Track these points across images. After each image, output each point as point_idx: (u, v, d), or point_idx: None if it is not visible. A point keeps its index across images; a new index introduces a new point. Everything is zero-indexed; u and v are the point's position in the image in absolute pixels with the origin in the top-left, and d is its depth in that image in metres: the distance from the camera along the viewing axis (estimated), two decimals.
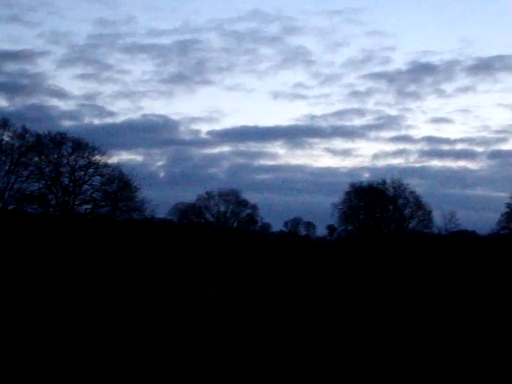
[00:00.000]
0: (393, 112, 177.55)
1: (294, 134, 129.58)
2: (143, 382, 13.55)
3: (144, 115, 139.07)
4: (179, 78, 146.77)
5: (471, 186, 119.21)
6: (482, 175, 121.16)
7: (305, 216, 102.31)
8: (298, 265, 66.60)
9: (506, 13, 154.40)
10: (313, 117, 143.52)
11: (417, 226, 71.62)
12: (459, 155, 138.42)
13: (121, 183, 61.88)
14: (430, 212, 71.07)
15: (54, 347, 17.36)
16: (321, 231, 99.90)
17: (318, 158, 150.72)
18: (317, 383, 13.83)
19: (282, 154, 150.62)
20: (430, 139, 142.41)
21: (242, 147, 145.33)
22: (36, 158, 59.29)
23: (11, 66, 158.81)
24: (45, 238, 57.39)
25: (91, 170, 60.94)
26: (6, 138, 58.19)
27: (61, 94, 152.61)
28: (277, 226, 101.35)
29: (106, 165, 61.21)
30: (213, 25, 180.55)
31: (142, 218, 63.42)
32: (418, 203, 71.20)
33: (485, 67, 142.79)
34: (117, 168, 62.33)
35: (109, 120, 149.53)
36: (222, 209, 76.80)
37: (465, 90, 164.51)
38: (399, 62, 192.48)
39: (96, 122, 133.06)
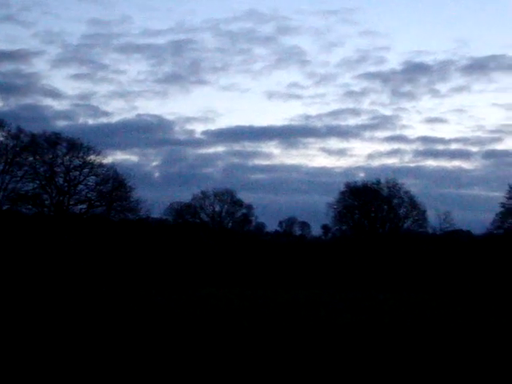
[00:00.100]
0: (387, 112, 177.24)
1: (289, 134, 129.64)
2: (139, 382, 13.58)
3: (139, 115, 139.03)
4: (174, 78, 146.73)
5: (466, 185, 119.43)
6: (476, 175, 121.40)
7: (299, 216, 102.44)
8: (292, 264, 66.67)
9: (501, 13, 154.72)
10: (308, 117, 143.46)
11: (411, 225, 71.78)
12: (454, 155, 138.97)
13: (116, 183, 61.92)
14: (424, 212, 71.27)
15: (49, 347, 17.37)
16: (316, 231, 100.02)
17: (313, 157, 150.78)
18: (312, 383, 13.87)
19: (277, 154, 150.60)
20: (424, 139, 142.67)
21: (237, 147, 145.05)
22: (30, 158, 59.32)
23: (5, 66, 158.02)
24: (39, 238, 57.34)
25: (86, 170, 61.03)
26: (0, 138, 58.27)
27: (55, 94, 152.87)
28: (271, 226, 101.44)
29: (100, 165, 61.33)
30: (208, 25, 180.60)
31: (137, 218, 63.45)
32: (412, 203, 71.34)
33: (479, 67, 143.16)
34: (111, 168, 62.46)
35: (103, 120, 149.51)
36: (217, 208, 76.86)
37: (459, 89, 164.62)
38: (394, 61, 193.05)
39: (91, 121, 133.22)
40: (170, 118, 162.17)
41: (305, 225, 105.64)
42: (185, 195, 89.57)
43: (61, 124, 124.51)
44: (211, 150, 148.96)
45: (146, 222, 67.68)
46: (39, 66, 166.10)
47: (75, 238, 60.52)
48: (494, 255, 62.63)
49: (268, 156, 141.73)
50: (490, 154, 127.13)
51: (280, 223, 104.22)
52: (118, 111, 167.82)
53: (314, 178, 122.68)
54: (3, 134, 58.23)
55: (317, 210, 76.68)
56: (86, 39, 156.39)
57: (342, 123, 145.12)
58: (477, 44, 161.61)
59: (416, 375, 14.51)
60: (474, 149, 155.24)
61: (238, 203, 77.73)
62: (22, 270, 51.29)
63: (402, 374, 14.55)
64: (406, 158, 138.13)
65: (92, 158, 60.78)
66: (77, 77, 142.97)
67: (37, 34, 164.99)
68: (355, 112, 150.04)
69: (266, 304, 35.58)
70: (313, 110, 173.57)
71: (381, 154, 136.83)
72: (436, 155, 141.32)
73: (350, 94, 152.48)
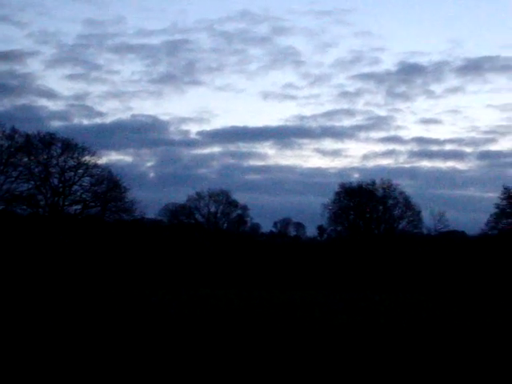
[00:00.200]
0: (382, 113, 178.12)
1: (284, 135, 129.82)
2: (133, 382, 13.57)
3: (133, 115, 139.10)
4: (168, 79, 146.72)
5: (460, 186, 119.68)
6: (471, 176, 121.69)
7: (294, 216, 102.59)
8: (287, 265, 66.69)
9: (495, 14, 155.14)
10: (302, 117, 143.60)
11: (406, 226, 71.89)
12: (448, 156, 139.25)
13: (110, 184, 61.88)
14: (419, 212, 71.42)
15: (42, 347, 17.34)
16: (311, 232, 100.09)
17: (308, 158, 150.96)
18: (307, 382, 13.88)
19: (272, 155, 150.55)
20: (419, 140, 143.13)
21: (232, 148, 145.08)
22: (25, 159, 59.23)
23: (0, 67, 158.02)
24: (34, 239, 57.23)
25: (81, 171, 60.98)
26: None
27: (50, 95, 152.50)
28: (266, 227, 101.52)
29: (95, 165, 61.31)
30: (202, 25, 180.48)
31: (132, 219, 63.39)
32: (407, 204, 71.47)
33: (474, 68, 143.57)
34: (106, 168, 62.41)
35: (98, 120, 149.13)
36: (212, 209, 76.85)
37: (454, 90, 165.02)
38: (388, 62, 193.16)
39: (85, 122, 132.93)
40: (164, 118, 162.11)
41: (300, 225, 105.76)
42: (180, 196, 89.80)
43: (55, 124, 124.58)
44: (206, 150, 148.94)
45: (140, 222, 67.63)
46: (34, 66, 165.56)
47: (70, 239, 60.43)
48: (488, 256, 62.76)
49: (263, 157, 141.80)
50: (484, 155, 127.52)
51: (275, 224, 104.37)
52: (113, 111, 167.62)
53: (309, 179, 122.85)
54: None
55: (312, 211, 76.82)
56: (80, 39, 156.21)
57: (337, 124, 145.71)
58: (471, 45, 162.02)
59: (412, 376, 14.54)
60: (469, 149, 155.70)
61: (233, 204, 77.77)
62: (17, 271, 51.17)
63: (398, 375, 14.57)
64: (401, 159, 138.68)
65: (87, 158, 60.80)
66: (71, 77, 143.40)
67: (31, 35, 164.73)
68: (350, 113, 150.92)
69: (262, 305, 35.57)
70: (307, 111, 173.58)
71: (375, 155, 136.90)
72: (431, 156, 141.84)
73: (345, 94, 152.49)
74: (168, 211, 76.44)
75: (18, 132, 59.12)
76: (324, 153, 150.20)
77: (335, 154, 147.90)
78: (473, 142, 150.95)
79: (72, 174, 60.75)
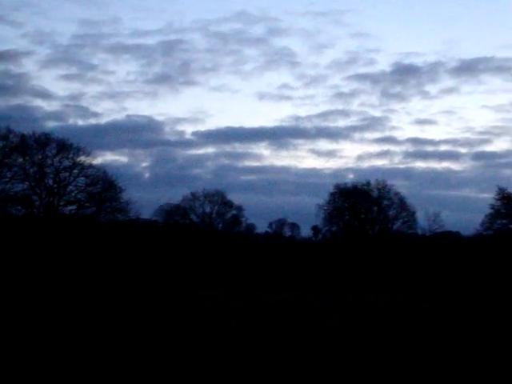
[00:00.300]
0: (377, 113, 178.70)
1: (279, 135, 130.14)
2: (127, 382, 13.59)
3: (128, 116, 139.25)
4: (164, 79, 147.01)
5: (455, 187, 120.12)
6: (465, 176, 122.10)
7: (289, 217, 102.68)
8: (283, 266, 66.70)
9: (490, 15, 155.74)
10: (297, 118, 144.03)
11: (401, 227, 71.99)
12: (443, 156, 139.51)
13: (105, 184, 61.78)
14: (414, 213, 71.50)
15: (37, 348, 17.32)
16: (305, 232, 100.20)
17: (303, 159, 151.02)
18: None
19: (267, 155, 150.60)
20: (414, 140, 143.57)
21: (227, 148, 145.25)
22: (20, 159, 59.09)
23: None
24: (29, 239, 57.12)
25: (76, 171, 60.83)
26: None
27: (45, 95, 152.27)
28: (261, 227, 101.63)
29: (90, 166, 61.15)
30: (197, 25, 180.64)
31: (127, 219, 63.31)
32: (402, 204, 71.56)
33: (468, 69, 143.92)
34: (101, 169, 62.30)
35: (93, 121, 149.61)
36: (207, 210, 76.83)
37: (449, 91, 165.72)
38: (383, 63, 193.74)
39: (80, 122, 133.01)
40: (159, 118, 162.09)
41: (294, 226, 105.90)
42: (175, 196, 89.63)
43: (50, 125, 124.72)
44: (201, 150, 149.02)
45: (135, 223, 67.55)
46: (29, 66, 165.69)
47: (65, 239, 60.34)
48: (483, 256, 62.88)
49: (258, 157, 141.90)
50: (479, 156, 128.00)
51: (270, 224, 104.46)
52: (108, 112, 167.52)
53: (304, 180, 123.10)
54: None
55: (306, 212, 76.90)
56: (75, 40, 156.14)
57: (332, 124, 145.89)
58: (466, 46, 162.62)
59: (407, 376, 14.58)
60: (464, 150, 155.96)
61: (228, 204, 77.75)
62: (12, 271, 51.06)
63: (393, 375, 14.61)
64: (396, 160, 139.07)
65: (82, 158, 60.65)
66: (66, 77, 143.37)
67: (26, 35, 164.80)
68: (345, 113, 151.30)
69: (257, 305, 35.58)
70: (303, 112, 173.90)
71: (370, 156, 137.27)
72: (425, 156, 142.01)
73: (340, 95, 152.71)
74: (163, 211, 76.41)
75: (12, 132, 59.03)
76: (319, 153, 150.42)
77: (330, 154, 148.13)
78: (468, 143, 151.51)
79: (67, 174, 60.64)
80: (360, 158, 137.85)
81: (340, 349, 18.35)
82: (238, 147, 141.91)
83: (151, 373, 14.40)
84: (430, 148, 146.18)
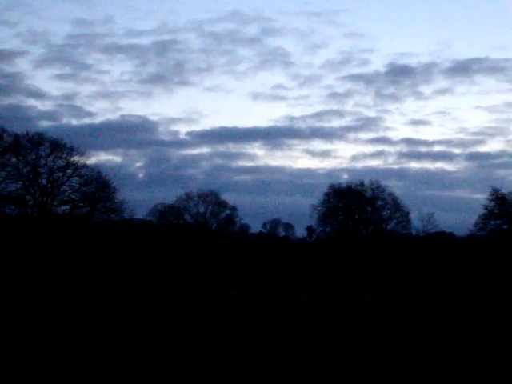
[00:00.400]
0: (371, 114, 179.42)
1: (273, 135, 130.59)
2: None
3: (122, 116, 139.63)
4: (158, 79, 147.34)
5: (449, 187, 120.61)
6: (459, 177, 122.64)
7: (284, 217, 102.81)
8: (277, 266, 66.69)
9: (484, 16, 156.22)
10: (292, 118, 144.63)
11: (395, 227, 72.10)
12: (437, 157, 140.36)
13: (99, 184, 61.68)
14: (408, 213, 71.67)
15: (29, 348, 17.26)
16: (300, 232, 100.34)
17: (297, 159, 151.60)
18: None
19: (261, 155, 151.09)
20: (408, 141, 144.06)
21: (221, 148, 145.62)
22: (14, 159, 59.00)
23: None
24: (23, 239, 56.99)
25: (69, 171, 60.74)
26: None
27: (39, 94, 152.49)
28: (256, 228, 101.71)
29: (84, 165, 61.06)
30: (191, 25, 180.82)
31: (121, 219, 63.23)
32: (396, 205, 71.67)
33: (462, 69, 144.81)
34: (95, 169, 62.20)
35: (87, 120, 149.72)
36: (202, 210, 76.81)
37: (442, 92, 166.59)
38: (378, 63, 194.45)
39: (74, 122, 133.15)
40: (154, 118, 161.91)
41: (289, 226, 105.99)
42: (169, 196, 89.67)
43: (44, 124, 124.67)
44: (195, 151, 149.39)
45: (129, 223, 67.46)
46: (22, 66, 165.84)
47: (58, 239, 60.20)
48: (477, 257, 63.02)
49: (252, 157, 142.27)
50: (472, 156, 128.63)
51: (264, 225, 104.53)
52: (102, 112, 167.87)
53: (298, 180, 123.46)
54: None
55: (301, 212, 77.01)
56: (69, 39, 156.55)
57: (326, 125, 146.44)
58: (460, 46, 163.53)
59: (400, 376, 14.59)
60: (457, 151, 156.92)
61: (223, 204, 77.75)
62: (5, 271, 50.90)
63: (386, 376, 14.61)
64: (390, 160, 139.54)
65: (76, 158, 60.58)
66: (60, 77, 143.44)
67: (20, 34, 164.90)
68: (339, 114, 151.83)
69: (251, 305, 35.53)
70: (297, 112, 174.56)
71: (364, 156, 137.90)
72: (419, 157, 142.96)
73: (334, 95, 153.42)
74: (157, 212, 76.40)
75: (6, 132, 58.94)
76: (313, 154, 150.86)
77: (324, 154, 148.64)
78: (461, 144, 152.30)
79: (61, 174, 60.53)
80: (354, 158, 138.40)
81: (334, 349, 18.35)
82: (232, 147, 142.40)
83: (145, 373, 14.37)
84: (423, 148, 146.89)
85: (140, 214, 73.36)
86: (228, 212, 79.20)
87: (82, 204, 62.08)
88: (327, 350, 18.02)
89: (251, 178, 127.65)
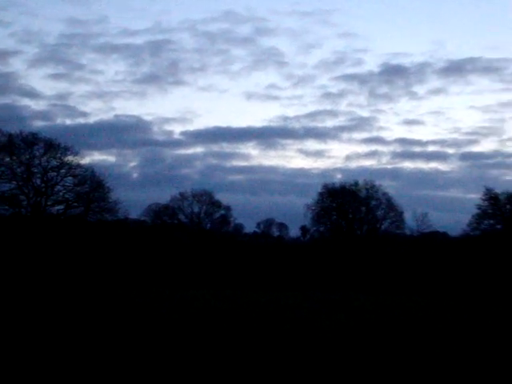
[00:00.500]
0: (365, 113, 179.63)
1: (267, 135, 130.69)
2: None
3: (116, 116, 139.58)
4: (152, 79, 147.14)
5: (442, 187, 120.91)
6: (453, 177, 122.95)
7: (278, 217, 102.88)
8: (271, 266, 66.71)
9: (478, 16, 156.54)
10: (285, 118, 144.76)
11: (389, 227, 72.18)
12: (431, 157, 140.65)
13: (93, 184, 61.59)
14: (401, 213, 71.76)
15: (23, 349, 17.27)
16: (294, 232, 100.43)
17: (291, 159, 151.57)
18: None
19: (255, 155, 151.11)
20: (402, 141, 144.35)
21: (215, 148, 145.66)
22: (7, 159, 58.85)
23: None
24: (16, 239, 56.88)
25: (63, 171, 60.62)
26: None
27: (32, 94, 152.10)
28: (250, 227, 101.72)
29: (78, 165, 60.94)
30: (185, 25, 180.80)
31: (115, 219, 63.15)
32: (390, 204, 71.75)
33: (456, 69, 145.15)
34: (89, 169, 62.10)
35: (81, 120, 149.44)
36: (196, 209, 76.79)
37: (436, 92, 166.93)
38: (371, 63, 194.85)
39: (68, 122, 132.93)
40: (148, 118, 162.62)
41: (283, 226, 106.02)
42: (163, 196, 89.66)
43: (38, 124, 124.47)
44: (190, 150, 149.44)
45: (124, 223, 67.39)
46: (16, 65, 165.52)
47: (52, 239, 60.05)
48: (470, 257, 63.17)
49: (246, 157, 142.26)
50: (466, 156, 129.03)
51: (258, 224, 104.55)
52: (96, 111, 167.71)
53: (292, 180, 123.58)
54: None
55: (295, 212, 77.07)
56: (63, 39, 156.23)
57: (320, 125, 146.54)
58: (454, 46, 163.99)
59: (394, 376, 14.65)
60: (451, 151, 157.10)
61: (217, 204, 77.75)
62: None
63: (380, 375, 14.67)
64: (384, 160, 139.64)
65: (69, 158, 60.46)
66: (54, 77, 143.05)
67: (14, 34, 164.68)
68: (333, 113, 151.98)
69: (245, 305, 35.57)
70: (291, 112, 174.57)
71: (358, 156, 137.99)
72: (413, 157, 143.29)
73: (328, 95, 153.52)
74: (151, 211, 76.38)
75: (0, 131, 58.79)
76: (307, 153, 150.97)
77: (318, 154, 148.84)
78: (455, 144, 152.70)
79: (55, 174, 60.41)
80: (348, 158, 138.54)
81: (327, 349, 18.40)
82: (226, 147, 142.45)
83: (138, 372, 14.39)
84: (417, 148, 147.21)
85: (134, 214, 73.44)
86: (222, 212, 79.29)
87: (75, 204, 61.98)
88: (319, 351, 18.07)
89: (245, 177, 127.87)
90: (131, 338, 19.77)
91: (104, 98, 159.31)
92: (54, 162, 60.30)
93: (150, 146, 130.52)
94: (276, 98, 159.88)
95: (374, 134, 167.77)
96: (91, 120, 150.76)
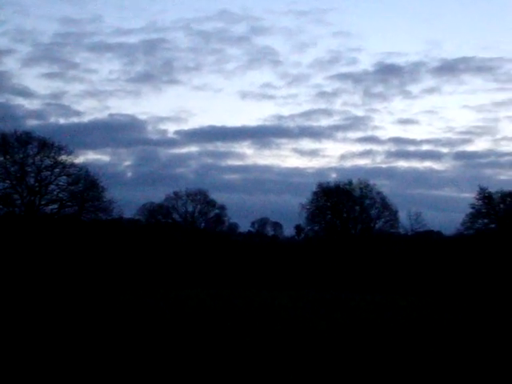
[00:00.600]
0: (360, 113, 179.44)
1: (262, 134, 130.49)
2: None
3: (111, 115, 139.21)
4: (146, 78, 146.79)
5: (437, 186, 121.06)
6: (447, 176, 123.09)
7: (272, 216, 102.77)
8: (265, 265, 66.74)
9: (472, 15, 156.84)
10: (280, 117, 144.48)
11: (383, 226, 72.24)
12: (425, 156, 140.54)
13: (87, 183, 61.41)
14: (396, 212, 71.82)
15: (20, 350, 17.23)
16: (288, 231, 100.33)
17: (286, 158, 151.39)
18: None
19: (250, 154, 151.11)
20: (396, 140, 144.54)
21: (210, 147, 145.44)
22: (1, 158, 58.62)
23: None
24: (10, 239, 56.70)
25: (57, 170, 60.37)
26: None
27: (26, 93, 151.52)
28: (244, 227, 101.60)
29: (72, 165, 60.70)
30: (180, 24, 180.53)
31: (109, 218, 63.00)
32: (384, 204, 71.82)
33: (450, 69, 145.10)
34: (83, 168, 61.90)
35: (75, 119, 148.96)
36: (190, 209, 76.65)
37: (430, 91, 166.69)
38: (366, 62, 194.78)
39: (62, 121, 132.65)
40: (142, 117, 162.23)
41: (277, 225, 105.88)
42: (157, 195, 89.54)
43: (32, 123, 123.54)
44: (184, 150, 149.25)
45: (118, 222, 67.24)
46: (10, 64, 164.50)
47: (46, 239, 59.88)
48: (464, 256, 63.28)
49: (241, 156, 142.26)
50: (460, 156, 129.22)
51: (252, 224, 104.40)
52: (90, 111, 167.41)
53: (287, 179, 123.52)
54: None
55: (289, 211, 77.03)
56: (57, 38, 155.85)
57: (315, 124, 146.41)
58: (448, 46, 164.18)
59: (388, 376, 14.65)
60: (445, 150, 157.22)
61: (211, 203, 77.60)
62: None
63: (375, 375, 14.67)
64: (378, 159, 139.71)
65: (63, 157, 60.18)
66: (48, 76, 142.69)
67: (7, 32, 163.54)
68: (327, 113, 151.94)
69: (240, 305, 35.58)
70: (285, 111, 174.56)
71: (353, 155, 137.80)
72: (407, 156, 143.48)
73: (322, 94, 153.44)
74: (145, 211, 76.20)
75: None
76: (302, 153, 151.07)
77: (313, 153, 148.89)
78: (449, 143, 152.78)
79: (48, 173, 60.16)
80: (342, 157, 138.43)
81: (321, 348, 18.40)
82: (221, 146, 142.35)
83: (134, 370, 14.37)
84: (411, 148, 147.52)
85: (128, 214, 73.28)
86: (216, 211, 79.09)
87: (69, 203, 61.78)
88: (313, 350, 18.08)
89: (240, 177, 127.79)
90: (126, 337, 19.74)
91: (98, 97, 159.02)
92: (48, 161, 60.09)
93: (144, 145, 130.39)
94: (271, 97, 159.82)
95: (369, 133, 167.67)
96: (85, 119, 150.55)
